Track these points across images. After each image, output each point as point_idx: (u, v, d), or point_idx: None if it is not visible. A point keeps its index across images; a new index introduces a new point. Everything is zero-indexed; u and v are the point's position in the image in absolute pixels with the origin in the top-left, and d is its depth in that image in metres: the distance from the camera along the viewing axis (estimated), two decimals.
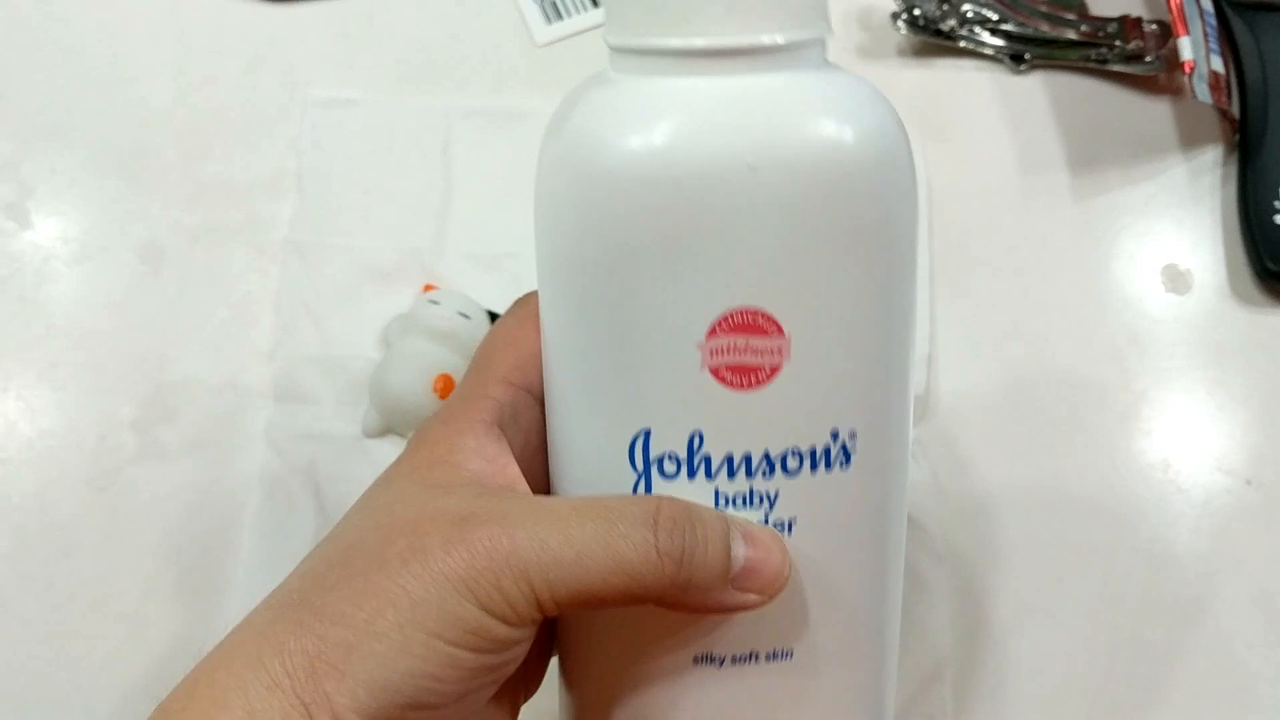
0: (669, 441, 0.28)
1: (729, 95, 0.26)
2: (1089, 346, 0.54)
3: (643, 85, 0.27)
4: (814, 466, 0.28)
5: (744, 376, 0.27)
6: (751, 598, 0.28)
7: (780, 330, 0.27)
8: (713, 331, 0.27)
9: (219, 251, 0.53)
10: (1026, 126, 0.57)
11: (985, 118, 0.57)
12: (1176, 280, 0.55)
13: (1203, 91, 0.53)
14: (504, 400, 0.31)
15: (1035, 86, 0.57)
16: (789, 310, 0.27)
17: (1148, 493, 0.51)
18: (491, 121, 0.56)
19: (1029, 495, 0.51)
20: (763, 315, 0.27)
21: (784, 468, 0.28)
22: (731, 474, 0.28)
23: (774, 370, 0.27)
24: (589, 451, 0.30)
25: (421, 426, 0.31)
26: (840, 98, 0.27)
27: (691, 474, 0.28)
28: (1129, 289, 0.54)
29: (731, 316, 0.27)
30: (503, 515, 0.27)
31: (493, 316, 0.51)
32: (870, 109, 0.27)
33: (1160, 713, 0.49)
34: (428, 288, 0.52)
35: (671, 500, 0.28)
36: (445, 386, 0.50)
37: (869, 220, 0.27)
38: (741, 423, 0.28)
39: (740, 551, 0.28)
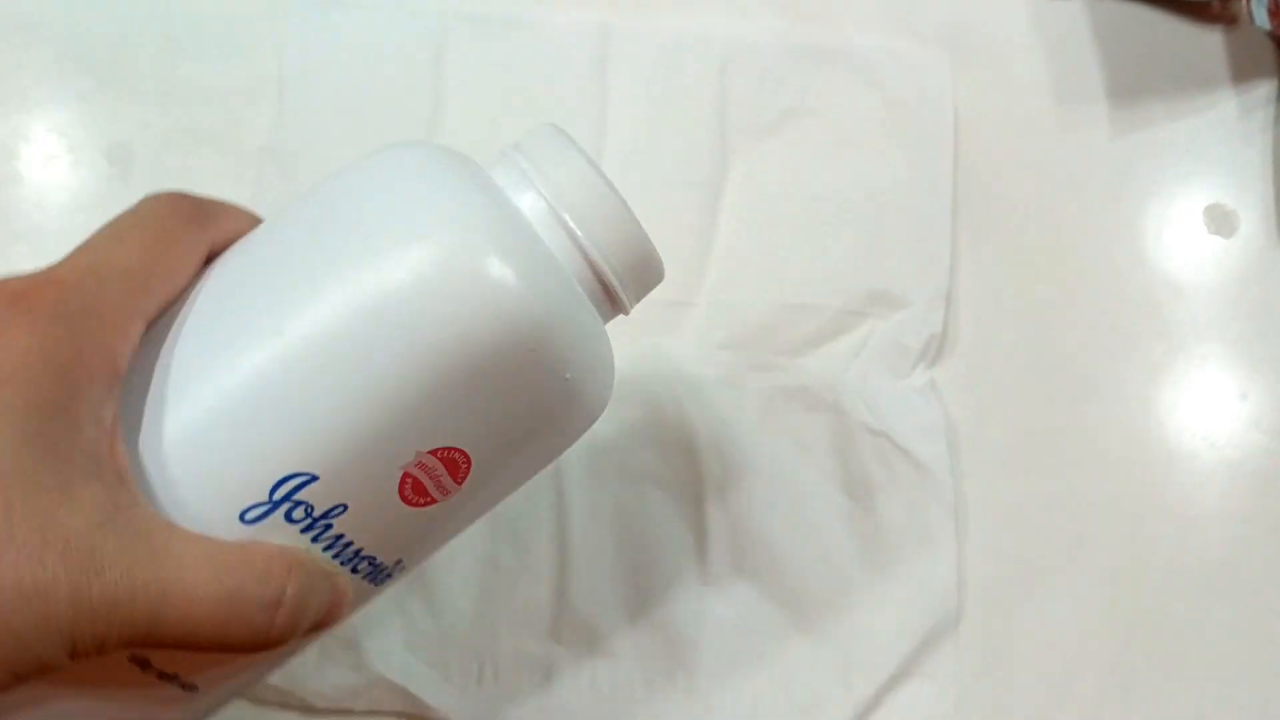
0: (318, 499, 0.27)
1: (591, 317, 0.30)
2: (1123, 291, 0.50)
3: (557, 262, 0.29)
4: (368, 576, 0.30)
5: (417, 495, 0.28)
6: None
7: (462, 481, 0.29)
8: (437, 451, 0.28)
9: (192, 157, 0.50)
10: (1065, 54, 0.53)
11: (1021, 43, 0.53)
12: (1221, 222, 0.50)
13: (1261, 17, 0.49)
14: (134, 349, 0.27)
15: (1076, 11, 0.53)
16: (478, 475, 0.29)
17: (1179, 450, 0.48)
18: (489, 30, 0.52)
19: (1051, 448, 0.48)
20: (467, 465, 0.28)
21: (355, 567, 0.30)
22: (329, 548, 0.28)
23: (431, 502, 0.29)
24: (229, 450, 0.27)
25: (40, 310, 0.26)
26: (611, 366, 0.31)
27: (308, 533, 0.28)
28: (1169, 231, 0.50)
29: (458, 452, 0.28)
30: (130, 563, 0.25)
31: None
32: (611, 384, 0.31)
33: (1179, 690, 0.45)
34: None
35: (298, 574, 0.27)
36: None
37: (554, 448, 0.32)
38: (375, 520, 0.28)
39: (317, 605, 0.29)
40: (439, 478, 0.28)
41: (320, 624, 0.29)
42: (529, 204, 0.29)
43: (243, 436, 0.27)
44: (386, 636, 0.44)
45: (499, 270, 0.26)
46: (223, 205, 0.31)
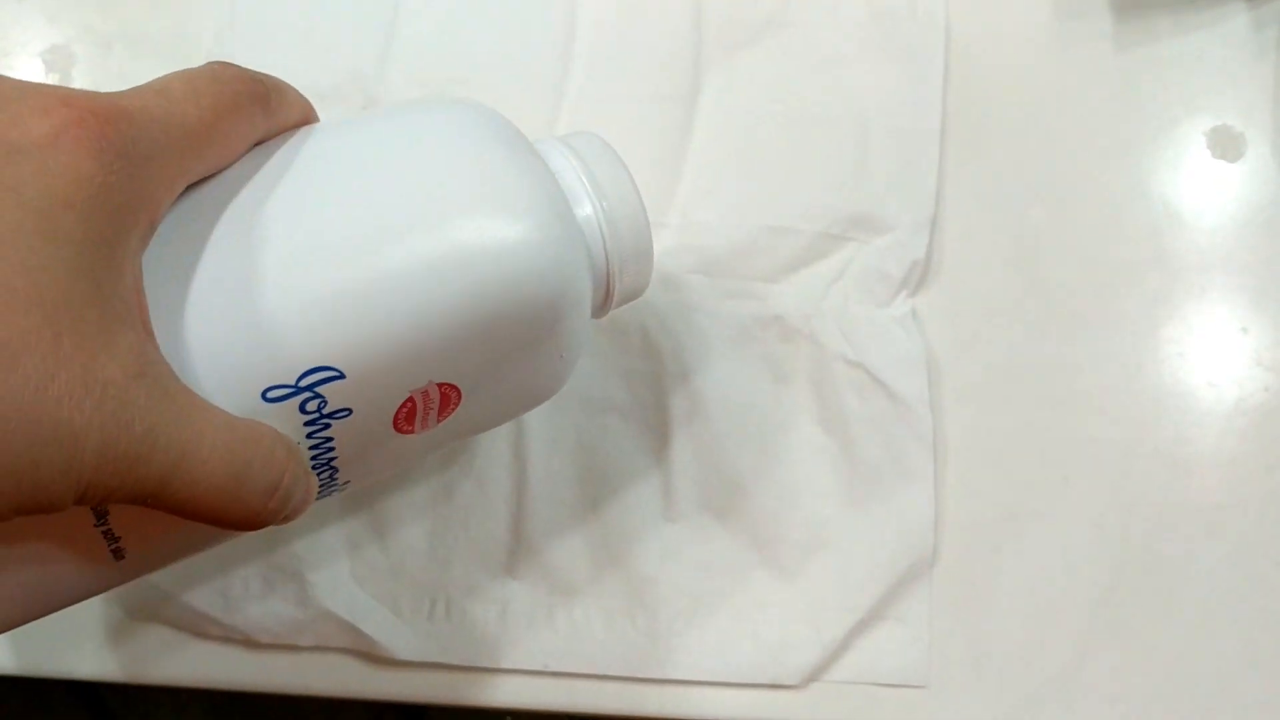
0: (335, 399, 0.28)
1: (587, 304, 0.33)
2: (1119, 218, 0.47)
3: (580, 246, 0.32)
4: (319, 494, 0.31)
5: (404, 422, 0.30)
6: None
7: (440, 420, 0.31)
8: (444, 385, 0.30)
9: (136, 63, 0.47)
10: None
11: None
12: (1227, 145, 0.47)
13: None
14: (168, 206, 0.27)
15: None
16: (461, 414, 0.31)
17: (1175, 387, 0.45)
18: None
19: (1038, 382, 0.45)
20: (455, 406, 0.31)
21: (319, 472, 0.31)
22: (315, 449, 0.29)
23: (409, 432, 0.31)
24: (268, 329, 0.28)
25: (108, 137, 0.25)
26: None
27: (309, 428, 0.28)
28: (1170, 154, 0.47)
29: (456, 391, 0.30)
30: (156, 422, 0.24)
31: None
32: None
33: (1167, 633, 0.43)
34: None
35: (295, 467, 0.27)
36: None
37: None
38: (361, 436, 0.30)
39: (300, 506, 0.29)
40: (430, 411, 0.30)
41: (282, 520, 0.29)
42: (582, 207, 0.33)
43: (293, 319, 0.27)
44: (334, 570, 0.42)
45: (554, 255, 0.30)
46: (288, 96, 0.31)
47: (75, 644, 0.43)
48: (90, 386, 0.23)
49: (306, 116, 0.32)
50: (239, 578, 0.42)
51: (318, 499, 0.31)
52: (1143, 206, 0.47)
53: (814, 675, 0.42)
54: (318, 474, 0.30)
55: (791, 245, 0.45)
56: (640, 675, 0.42)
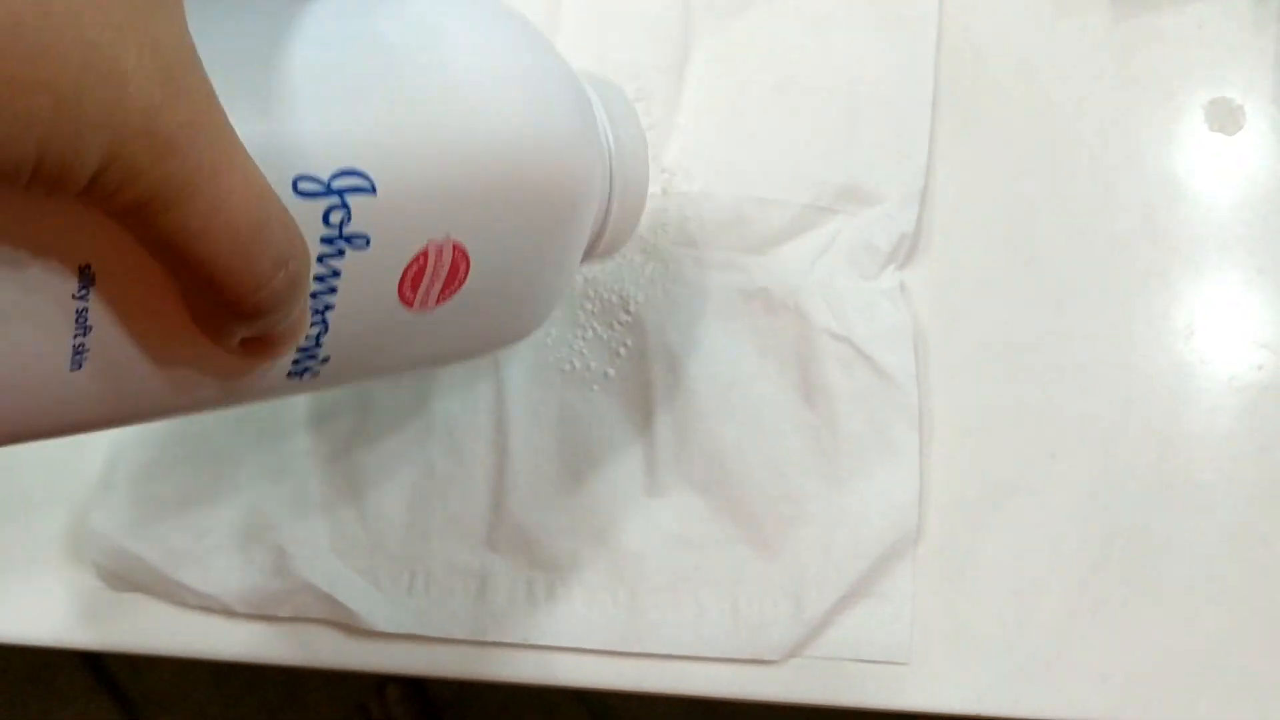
0: (359, 218, 0.26)
1: None
2: (1114, 190, 0.46)
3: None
4: (297, 360, 0.29)
5: (409, 290, 0.29)
6: (232, 346, 0.26)
7: (441, 301, 0.30)
8: (458, 247, 0.29)
9: None
10: None
11: None
12: (1225, 118, 0.46)
13: None
14: None
15: None
16: (463, 298, 0.30)
17: (1166, 364, 0.44)
18: None
19: (1027, 357, 0.45)
20: (462, 279, 0.29)
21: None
22: (320, 287, 0.27)
23: (408, 306, 0.29)
24: (307, 111, 0.26)
25: None
26: None
27: (325, 245, 0.26)
28: (1167, 126, 0.46)
29: (466, 254, 0.29)
30: (195, 116, 0.22)
31: None
32: None
33: (1154, 612, 0.43)
34: None
35: (302, 254, 0.25)
36: None
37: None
38: (364, 288, 0.28)
39: (294, 322, 0.26)
40: (436, 280, 0.29)
41: (266, 347, 0.26)
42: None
43: (335, 108, 0.26)
44: (313, 542, 0.42)
45: (583, 149, 0.31)
46: None
47: (54, 613, 0.43)
48: (145, 39, 0.20)
49: None
50: (218, 549, 0.42)
51: (295, 379, 0.29)
52: (1137, 179, 0.46)
53: (794, 651, 0.42)
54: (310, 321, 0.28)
55: (778, 217, 0.45)
56: (620, 649, 0.42)
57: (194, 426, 0.43)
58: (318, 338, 0.28)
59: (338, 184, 0.26)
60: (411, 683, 1.18)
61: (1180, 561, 0.43)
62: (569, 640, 0.42)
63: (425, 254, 0.28)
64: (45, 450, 0.45)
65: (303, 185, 0.25)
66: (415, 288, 0.29)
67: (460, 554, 0.42)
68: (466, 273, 0.29)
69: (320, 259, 0.26)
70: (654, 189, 0.45)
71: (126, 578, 0.42)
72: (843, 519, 0.43)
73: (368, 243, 0.27)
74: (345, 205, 0.26)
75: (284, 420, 0.43)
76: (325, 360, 0.29)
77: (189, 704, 1.20)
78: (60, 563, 0.44)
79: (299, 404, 0.44)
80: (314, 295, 0.27)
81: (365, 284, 0.28)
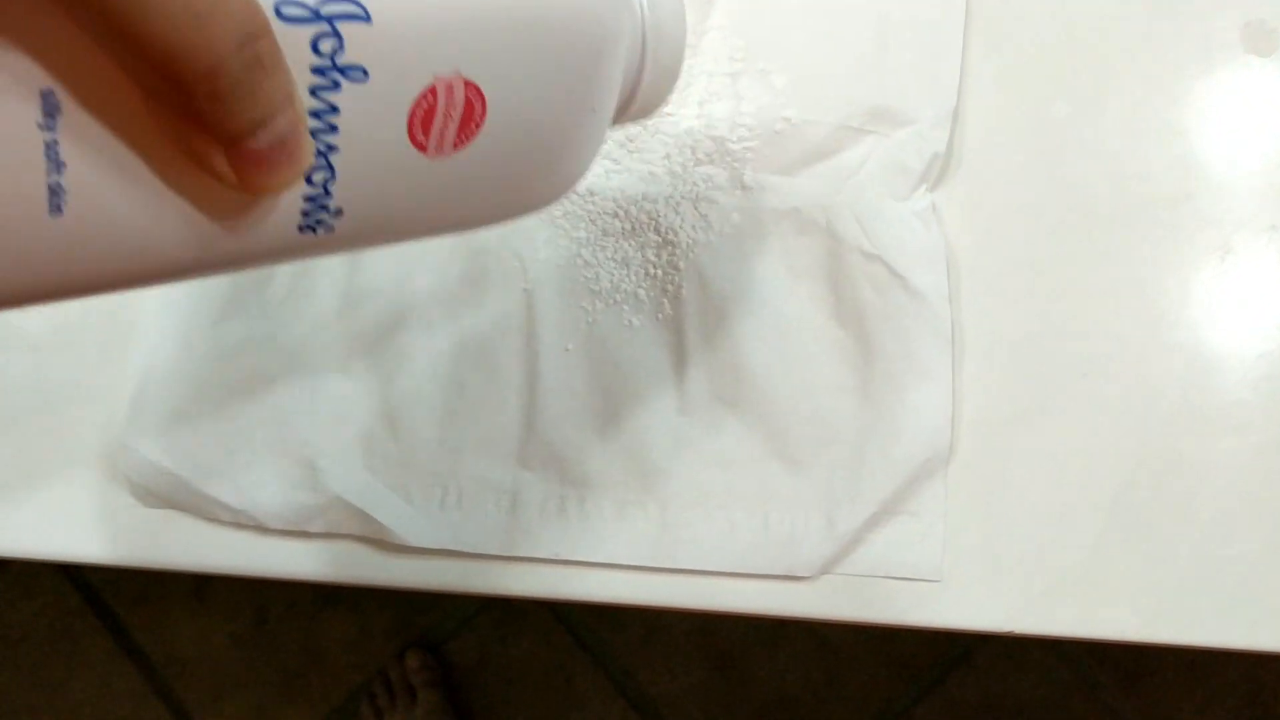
0: (352, 50, 0.24)
1: None
2: (1145, 112, 0.45)
3: None
4: (307, 209, 0.26)
5: (419, 128, 0.26)
6: (230, 179, 0.23)
7: (459, 146, 0.27)
8: (468, 85, 0.26)
9: None
10: None
11: None
12: (1260, 39, 0.46)
13: None
14: None
15: None
16: (484, 142, 0.27)
17: (1199, 283, 0.44)
18: None
19: (1057, 279, 0.44)
20: (479, 119, 0.27)
21: (309, 178, 0.26)
22: (318, 129, 0.25)
23: (421, 151, 0.27)
24: None
25: None
26: None
27: (317, 75, 0.24)
28: (1201, 47, 0.46)
29: (478, 105, 0.27)
30: None
31: None
32: None
33: (1185, 532, 0.42)
34: None
35: (274, 51, 0.22)
36: None
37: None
38: (370, 127, 0.26)
39: (279, 128, 0.23)
40: (450, 123, 0.27)
41: (258, 169, 0.23)
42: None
43: None
44: (345, 458, 0.42)
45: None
46: None
47: (88, 530, 0.43)
48: None
49: None
50: (250, 464, 0.42)
51: (310, 235, 0.27)
52: (1170, 101, 0.45)
53: (826, 568, 0.42)
54: (307, 180, 0.26)
55: (809, 137, 0.44)
56: (651, 565, 0.42)
57: (226, 344, 0.43)
58: (325, 185, 0.26)
59: (328, 9, 0.24)
60: (431, 649, 1.19)
61: (1211, 480, 0.43)
62: (600, 556, 0.42)
63: (434, 90, 0.26)
64: (76, 366, 0.45)
65: (287, 10, 0.23)
66: (427, 129, 0.26)
67: (492, 470, 0.42)
68: (484, 114, 0.27)
69: (314, 92, 0.24)
70: (686, 111, 0.45)
71: (159, 494, 0.42)
72: (874, 437, 0.42)
73: (365, 74, 0.25)
74: (337, 33, 0.24)
75: (315, 339, 0.44)
76: (339, 213, 0.27)
77: (209, 668, 1.21)
78: (94, 479, 0.44)
79: (330, 322, 0.44)
80: (314, 134, 0.25)
81: (370, 123, 0.26)
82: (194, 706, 1.20)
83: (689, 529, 0.42)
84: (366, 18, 0.24)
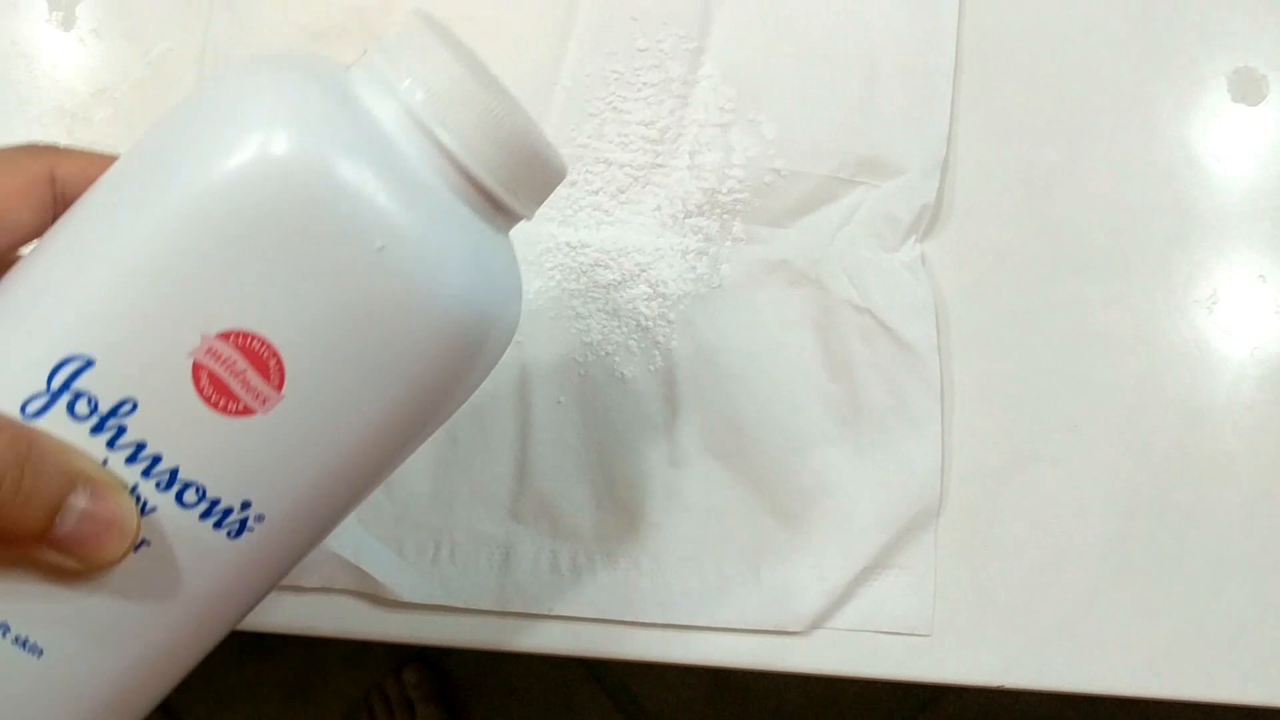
0: (102, 389, 0.25)
1: (434, 197, 0.26)
2: (1136, 160, 0.45)
3: (383, 126, 0.26)
4: (205, 515, 0.26)
5: (219, 397, 0.25)
6: (69, 563, 0.25)
7: (280, 385, 0.25)
8: (227, 336, 0.25)
9: (139, 2, 0.47)
10: None
11: None
12: (1248, 87, 0.46)
13: None
14: None
15: None
16: (301, 376, 0.25)
17: (1189, 333, 0.44)
18: None
19: (1048, 329, 0.44)
20: (276, 361, 0.25)
21: (179, 495, 0.26)
22: (132, 459, 0.25)
23: (246, 411, 0.25)
24: (16, 327, 0.25)
25: None
26: (488, 267, 0.27)
27: (97, 430, 0.25)
28: (1190, 95, 0.46)
29: (253, 339, 0.25)
30: None
31: None
32: (496, 293, 0.27)
33: (1177, 582, 0.42)
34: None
35: (19, 438, 0.24)
36: None
37: (416, 370, 0.26)
38: (178, 427, 0.25)
39: (78, 507, 0.24)
40: (244, 375, 0.25)
41: (73, 545, 0.25)
42: (386, 109, 0.26)
43: (18, 313, 0.25)
44: None
45: (273, 129, 0.24)
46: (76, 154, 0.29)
47: None
48: None
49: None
50: None
51: (237, 536, 0.27)
52: (1159, 149, 0.46)
53: (817, 622, 0.42)
54: (177, 496, 0.26)
55: (799, 188, 0.44)
56: (644, 620, 0.42)
57: None
58: (207, 500, 0.26)
59: (58, 381, 0.25)
60: (429, 664, 1.19)
61: (1203, 532, 0.43)
62: (593, 611, 0.42)
63: (201, 367, 0.25)
64: None
65: (31, 406, 0.25)
66: (228, 394, 0.25)
67: (485, 524, 0.42)
68: (276, 356, 0.25)
69: (110, 444, 0.25)
70: (676, 161, 0.45)
71: None
72: (865, 490, 0.42)
73: (135, 405, 0.25)
74: (80, 393, 0.25)
75: None
76: (246, 505, 0.26)
77: (208, 685, 1.21)
78: None
79: None
80: (149, 478, 0.26)
81: (181, 432, 0.25)
82: None
83: (681, 583, 0.42)
84: (90, 362, 0.25)
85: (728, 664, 0.42)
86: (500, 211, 0.27)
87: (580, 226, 0.44)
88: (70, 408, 0.25)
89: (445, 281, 0.25)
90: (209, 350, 0.25)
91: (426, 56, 0.26)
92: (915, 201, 0.44)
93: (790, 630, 0.42)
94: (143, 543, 0.26)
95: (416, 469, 0.43)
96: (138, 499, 0.25)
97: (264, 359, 0.25)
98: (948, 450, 0.43)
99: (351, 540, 0.42)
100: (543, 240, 0.44)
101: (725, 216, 0.44)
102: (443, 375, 0.27)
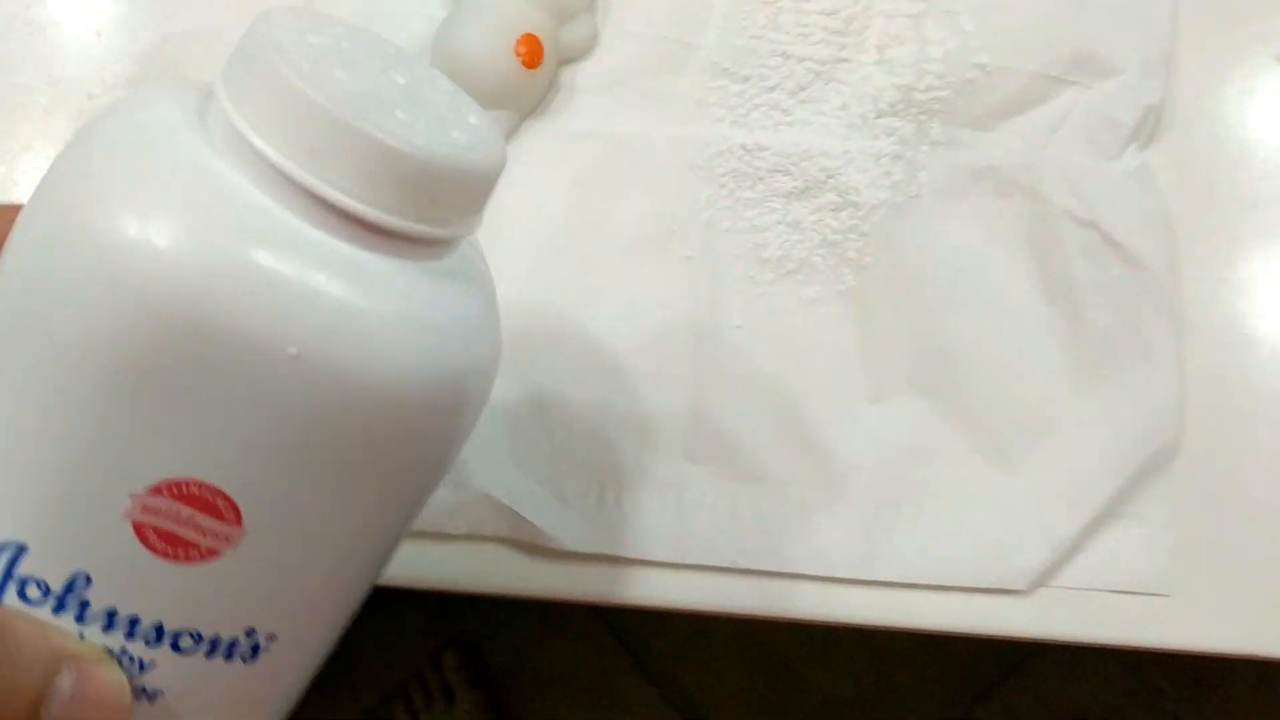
0: (47, 571, 0.23)
1: (329, 260, 0.21)
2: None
3: (246, 196, 0.21)
4: (211, 654, 0.24)
5: (174, 548, 0.22)
6: None
7: (238, 520, 0.22)
8: (158, 490, 0.22)
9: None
10: None
11: None
12: None
13: None
14: None
15: None
16: (256, 506, 0.22)
17: None
18: None
19: None
20: (223, 499, 0.22)
21: (175, 645, 0.24)
22: (109, 627, 0.23)
23: (211, 553, 0.23)
24: None
25: None
26: (424, 319, 0.22)
27: (59, 609, 0.23)
28: (1239, 69, 0.41)
29: (187, 485, 0.22)
30: None
31: None
32: (446, 346, 0.23)
33: None
34: None
35: (77, 658, 0.23)
36: (531, 50, 0.38)
37: (382, 461, 0.23)
38: (145, 586, 0.23)
39: (64, 691, 0.22)
40: (192, 521, 0.22)
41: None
42: (244, 165, 0.21)
43: None
44: (492, 451, 0.37)
45: (129, 231, 0.20)
46: None
47: None
48: None
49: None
50: None
51: (253, 659, 0.25)
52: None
53: (1042, 580, 0.36)
54: (173, 644, 0.24)
55: (1004, 87, 0.39)
56: (842, 576, 0.36)
57: None
58: (206, 641, 0.24)
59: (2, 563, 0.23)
60: (468, 650, 1.14)
61: None
62: (782, 565, 0.36)
63: (141, 526, 0.22)
64: None
65: None
66: (183, 546, 0.23)
67: (655, 464, 0.37)
68: (219, 493, 0.23)
69: (79, 620, 0.23)
70: (863, 56, 0.39)
71: None
72: (1091, 429, 0.37)
73: (89, 579, 0.23)
74: (27, 578, 0.23)
75: None
76: (251, 632, 0.25)
77: None
78: None
79: None
80: (133, 639, 0.24)
81: (150, 591, 0.23)
82: None
83: (884, 534, 0.36)
84: (23, 548, 0.23)
85: (939, 628, 0.36)
86: (420, 243, 0.22)
87: (755, 127, 0.39)
88: (21, 594, 0.23)
89: (383, 361, 0.21)
90: (144, 508, 0.22)
91: (272, 88, 0.21)
92: (1138, 103, 0.39)
93: (1012, 588, 0.36)
94: (156, 693, 0.24)
95: (577, 402, 0.37)
96: (130, 659, 0.23)
97: (208, 500, 0.22)
98: (1184, 384, 0.37)
99: (506, 480, 0.36)
100: (714, 142, 0.39)
101: (922, 117, 0.39)
102: (417, 450, 0.24)
